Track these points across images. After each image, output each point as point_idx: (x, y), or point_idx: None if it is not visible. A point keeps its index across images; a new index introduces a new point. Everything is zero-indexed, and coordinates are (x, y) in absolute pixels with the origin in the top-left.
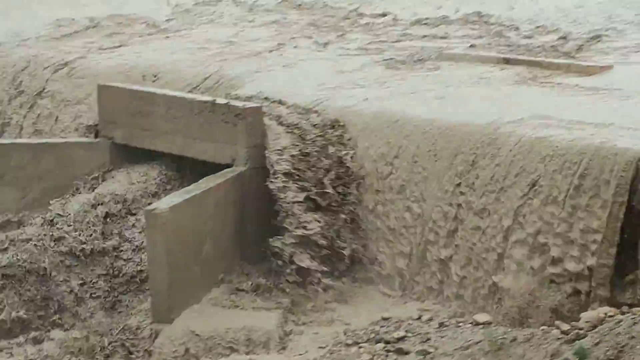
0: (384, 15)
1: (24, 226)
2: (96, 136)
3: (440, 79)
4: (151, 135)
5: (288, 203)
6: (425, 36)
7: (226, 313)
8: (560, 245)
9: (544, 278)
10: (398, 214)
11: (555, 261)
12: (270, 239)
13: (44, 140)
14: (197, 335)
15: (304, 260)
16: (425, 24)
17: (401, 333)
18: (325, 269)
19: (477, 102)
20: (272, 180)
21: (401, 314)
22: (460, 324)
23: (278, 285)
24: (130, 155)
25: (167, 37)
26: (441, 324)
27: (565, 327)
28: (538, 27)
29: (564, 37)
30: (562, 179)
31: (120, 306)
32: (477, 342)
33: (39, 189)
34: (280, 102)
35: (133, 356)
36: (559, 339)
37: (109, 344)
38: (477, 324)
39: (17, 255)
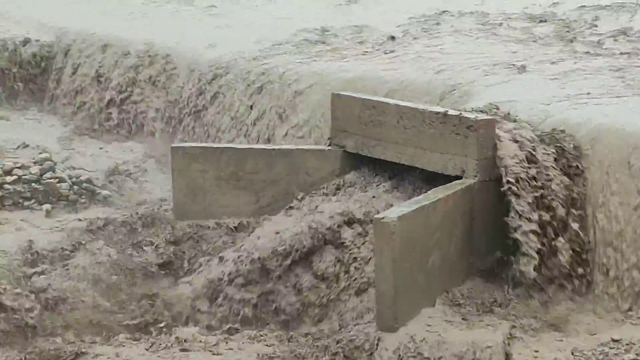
0: (622, 30)
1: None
2: (329, 144)
3: None
4: (382, 145)
5: (521, 217)
6: None
7: (449, 326)
8: None
9: None
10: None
11: None
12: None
13: (277, 147)
14: (419, 346)
15: (533, 277)
16: None
17: (631, 356)
18: (555, 286)
19: None
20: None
21: (632, 336)
22: None
23: (504, 302)
24: (358, 163)
25: (400, 48)
26: None
27: None
28: None
29: None
30: None
31: (342, 312)
32: None
33: (271, 194)
34: (511, 116)
35: None
36: None
37: (331, 351)
38: None
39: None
